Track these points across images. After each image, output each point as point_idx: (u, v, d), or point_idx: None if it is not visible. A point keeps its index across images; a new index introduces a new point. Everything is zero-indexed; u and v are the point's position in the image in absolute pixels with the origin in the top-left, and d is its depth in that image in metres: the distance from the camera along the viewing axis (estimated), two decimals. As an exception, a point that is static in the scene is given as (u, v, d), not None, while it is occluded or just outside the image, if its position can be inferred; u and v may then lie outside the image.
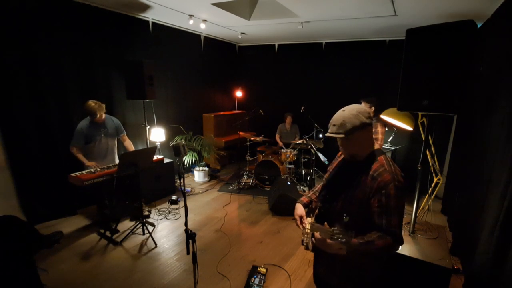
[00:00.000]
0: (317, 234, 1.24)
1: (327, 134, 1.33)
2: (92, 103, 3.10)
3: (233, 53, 6.65)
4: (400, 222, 1.24)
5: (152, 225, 3.49)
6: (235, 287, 2.50)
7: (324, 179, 1.69)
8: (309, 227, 1.50)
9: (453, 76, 1.88)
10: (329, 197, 1.43)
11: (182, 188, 2.01)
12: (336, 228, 1.17)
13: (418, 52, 2.05)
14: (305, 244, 1.55)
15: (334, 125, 1.30)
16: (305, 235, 1.53)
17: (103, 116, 3.23)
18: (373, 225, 1.24)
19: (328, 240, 1.21)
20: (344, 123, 1.26)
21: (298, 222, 1.52)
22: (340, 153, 1.57)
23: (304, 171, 5.17)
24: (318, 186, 1.71)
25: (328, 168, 1.63)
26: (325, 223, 1.33)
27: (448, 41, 1.89)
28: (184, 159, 4.86)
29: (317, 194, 1.66)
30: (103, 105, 3.18)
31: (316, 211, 1.48)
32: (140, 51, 4.30)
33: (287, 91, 6.20)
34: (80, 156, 3.15)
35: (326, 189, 1.51)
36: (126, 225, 3.50)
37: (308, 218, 1.53)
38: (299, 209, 1.56)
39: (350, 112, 1.28)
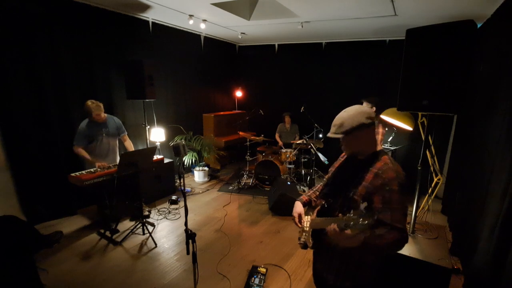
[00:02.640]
0: (334, 226, 1.21)
1: (328, 135, 1.38)
2: (89, 102, 3.11)
3: (233, 53, 6.65)
4: (404, 218, 1.24)
5: (152, 225, 3.49)
6: (235, 287, 2.50)
7: (325, 179, 1.69)
8: (307, 225, 1.51)
9: (453, 76, 1.88)
10: (331, 194, 1.44)
11: (182, 188, 2.01)
12: (351, 214, 1.14)
13: (418, 52, 2.05)
14: (302, 242, 1.54)
15: (334, 126, 1.35)
16: (303, 233, 1.53)
17: (102, 115, 3.22)
18: (378, 222, 1.23)
19: (337, 229, 1.18)
20: (342, 124, 1.31)
21: (297, 220, 1.53)
22: (343, 154, 1.58)
23: (304, 171, 5.16)
24: (319, 185, 1.72)
25: (330, 169, 1.64)
26: (339, 214, 1.31)
27: (448, 41, 1.89)
28: (184, 159, 4.86)
29: (317, 193, 1.67)
30: (101, 105, 3.18)
31: (318, 207, 1.48)
32: (140, 51, 4.30)
33: (287, 91, 6.20)
34: (85, 154, 3.16)
35: (329, 186, 1.52)
36: (126, 225, 3.50)
37: (307, 216, 1.54)
38: (298, 207, 1.57)
39: (349, 114, 1.32)
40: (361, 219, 1.08)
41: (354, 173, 1.36)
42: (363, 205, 1.21)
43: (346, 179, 1.39)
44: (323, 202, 1.46)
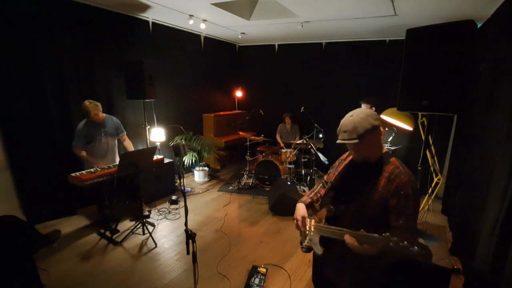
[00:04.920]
0: (348, 237, 1.20)
1: (339, 141, 1.29)
2: (87, 102, 3.11)
3: (233, 53, 6.65)
4: (416, 223, 1.23)
5: (152, 225, 3.49)
6: (235, 287, 2.50)
7: (324, 180, 1.67)
8: (312, 230, 1.48)
9: (453, 76, 1.89)
10: (340, 200, 1.40)
11: (182, 188, 2.01)
12: (387, 234, 1.08)
13: (418, 52, 2.05)
14: (305, 247, 1.51)
15: (345, 131, 1.26)
16: (307, 238, 1.50)
17: (100, 115, 3.23)
18: (389, 226, 1.22)
19: (357, 244, 1.17)
20: (356, 127, 1.23)
21: (300, 223, 1.48)
22: (344, 156, 1.55)
23: (304, 171, 5.17)
24: (318, 187, 1.69)
25: (330, 171, 1.60)
26: (361, 230, 1.25)
27: (448, 41, 1.90)
28: (184, 159, 4.86)
29: (318, 195, 1.64)
30: (99, 104, 3.18)
31: (327, 214, 1.44)
32: (140, 51, 4.29)
33: (287, 91, 6.19)
34: (84, 154, 3.17)
35: (335, 191, 1.47)
36: (126, 225, 3.49)
37: (311, 220, 1.50)
38: (302, 210, 1.51)
39: (359, 116, 1.25)
40: (408, 245, 1.01)
41: (363, 178, 1.33)
42: (393, 220, 1.16)
43: (356, 184, 1.35)
44: (333, 208, 1.41)
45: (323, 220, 1.45)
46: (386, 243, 1.06)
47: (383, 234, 1.09)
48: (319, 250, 1.41)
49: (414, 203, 1.21)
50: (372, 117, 1.26)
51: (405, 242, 1.02)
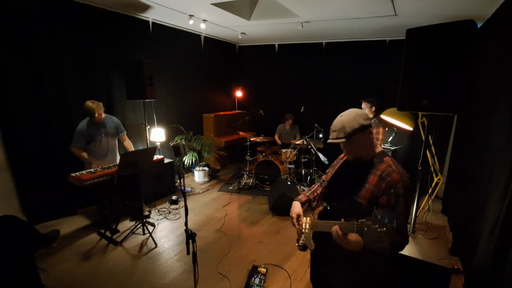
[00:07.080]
0: (335, 228, 1.21)
1: (329, 141, 1.35)
2: (89, 103, 3.11)
3: (233, 53, 6.65)
4: (406, 221, 1.24)
5: (152, 225, 3.49)
6: (235, 287, 2.50)
7: (322, 179, 1.68)
8: (307, 227, 1.49)
9: (453, 76, 1.88)
10: (334, 196, 1.43)
11: (182, 188, 2.01)
12: (364, 220, 1.13)
13: (418, 52, 2.05)
14: (301, 244, 1.52)
15: (334, 131, 1.33)
16: (303, 235, 1.51)
17: (103, 115, 3.24)
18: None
19: (353, 235, 1.19)
20: (344, 127, 1.29)
21: (295, 220, 1.51)
22: (342, 155, 1.57)
23: (304, 171, 5.16)
24: (316, 186, 1.71)
25: (328, 170, 1.62)
26: (342, 219, 1.30)
27: (448, 41, 1.89)
28: (184, 159, 4.87)
29: (315, 194, 1.66)
30: (101, 104, 3.19)
31: (321, 208, 1.47)
32: (140, 51, 4.30)
33: (287, 91, 6.20)
34: (83, 155, 3.16)
35: (329, 188, 1.50)
36: (126, 225, 3.50)
37: (306, 217, 1.52)
38: (297, 207, 1.55)
39: (348, 116, 1.31)
40: (377, 226, 1.07)
41: (356, 176, 1.35)
42: (378, 212, 1.21)
43: (349, 181, 1.38)
44: (325, 205, 1.44)
45: (316, 216, 1.47)
46: (362, 228, 1.11)
47: (360, 221, 1.14)
48: (311, 245, 1.43)
49: (404, 202, 1.22)
50: (362, 117, 1.30)
51: (376, 225, 1.08)
